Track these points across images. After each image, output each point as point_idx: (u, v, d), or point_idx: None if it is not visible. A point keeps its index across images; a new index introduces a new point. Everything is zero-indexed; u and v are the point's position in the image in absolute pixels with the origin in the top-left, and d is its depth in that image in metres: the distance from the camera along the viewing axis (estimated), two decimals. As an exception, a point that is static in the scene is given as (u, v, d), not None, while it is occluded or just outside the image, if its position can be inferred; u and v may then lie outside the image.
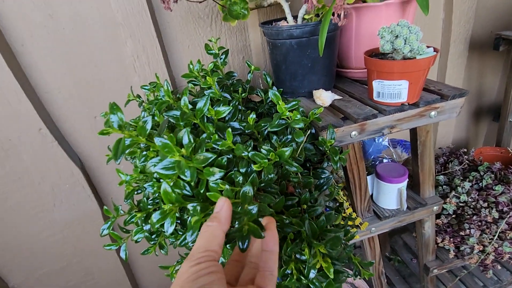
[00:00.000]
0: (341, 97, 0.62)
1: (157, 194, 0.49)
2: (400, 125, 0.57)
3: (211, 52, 0.66)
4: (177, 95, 0.64)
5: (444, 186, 0.89)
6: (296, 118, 0.42)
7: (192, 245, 0.44)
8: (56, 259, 0.94)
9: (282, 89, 0.62)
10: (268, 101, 0.64)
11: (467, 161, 0.97)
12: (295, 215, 0.41)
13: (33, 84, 0.73)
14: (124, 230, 0.57)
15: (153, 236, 0.49)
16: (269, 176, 0.37)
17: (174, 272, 0.47)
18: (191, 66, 0.62)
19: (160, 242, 0.50)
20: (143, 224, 0.45)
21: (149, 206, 0.48)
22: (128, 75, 0.77)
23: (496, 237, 0.79)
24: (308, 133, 0.46)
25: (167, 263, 1.11)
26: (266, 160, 0.37)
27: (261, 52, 0.85)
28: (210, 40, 0.66)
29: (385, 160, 0.78)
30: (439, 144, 1.23)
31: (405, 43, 0.49)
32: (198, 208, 0.35)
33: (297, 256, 0.41)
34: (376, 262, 0.85)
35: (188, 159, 0.36)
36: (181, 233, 0.51)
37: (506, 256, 0.79)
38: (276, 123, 0.44)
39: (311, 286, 0.39)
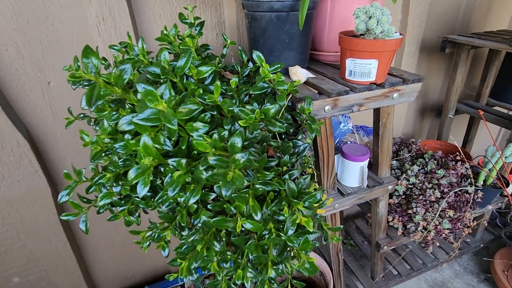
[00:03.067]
0: (314, 76, 0.65)
1: (127, 156, 0.46)
2: (368, 103, 0.62)
3: (185, 21, 0.64)
4: (150, 60, 0.61)
5: (396, 170, 0.98)
6: (280, 80, 0.43)
7: (168, 206, 0.43)
8: (-8, 243, 0.83)
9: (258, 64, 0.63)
10: (243, 76, 0.64)
11: (415, 150, 1.08)
12: (276, 176, 0.41)
13: (-27, 37, 0.63)
14: (85, 199, 0.52)
15: (122, 202, 0.46)
16: (255, 132, 0.37)
17: (145, 237, 0.45)
18: (165, 31, 0.59)
19: (129, 209, 0.47)
20: (114, 184, 0.42)
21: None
22: (91, 39, 0.71)
23: (437, 215, 0.89)
24: (289, 98, 0.47)
25: (124, 252, 1.04)
26: (253, 116, 0.37)
27: (235, 31, 0.84)
28: (185, 8, 0.64)
29: (349, 142, 0.83)
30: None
31: (377, 24, 0.53)
32: (183, 161, 0.34)
33: (275, 217, 0.42)
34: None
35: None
36: (152, 198, 0.48)
37: (445, 231, 0.90)
38: (259, 85, 0.44)
39: (289, 243, 0.40)
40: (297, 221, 0.38)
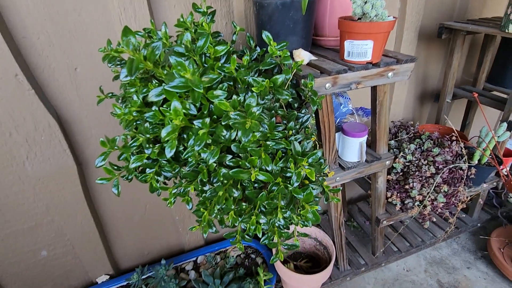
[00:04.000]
0: (316, 58, 0.71)
1: (155, 124, 0.53)
2: (365, 82, 0.68)
3: (199, 10, 0.71)
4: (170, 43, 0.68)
5: (394, 149, 1.05)
6: (285, 55, 0.50)
7: (191, 166, 0.50)
8: (25, 217, 0.91)
9: (265, 49, 0.69)
10: (252, 59, 0.70)
11: (413, 132, 1.14)
12: (283, 137, 0.48)
13: (10, 27, 0.70)
14: (116, 167, 0.60)
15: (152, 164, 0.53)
16: (265, 98, 0.44)
17: (172, 193, 0.52)
18: (181, 19, 0.66)
19: (156, 171, 0.54)
20: (146, 146, 0.50)
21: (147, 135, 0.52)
22: (113, 28, 0.78)
23: (432, 189, 0.95)
24: (293, 72, 0.53)
25: (141, 232, 1.12)
26: (264, 83, 0.44)
27: (243, 19, 0.90)
28: (199, -2, 0.71)
29: (349, 122, 0.89)
30: (391, 119, 1.41)
31: (372, 8, 0.59)
32: (207, 120, 0.41)
33: (283, 174, 0.49)
34: (337, 213, 0.97)
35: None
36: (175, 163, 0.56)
37: (441, 205, 0.96)
38: (267, 61, 0.51)
39: (295, 194, 0.47)
40: (302, 173, 0.45)
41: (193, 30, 0.66)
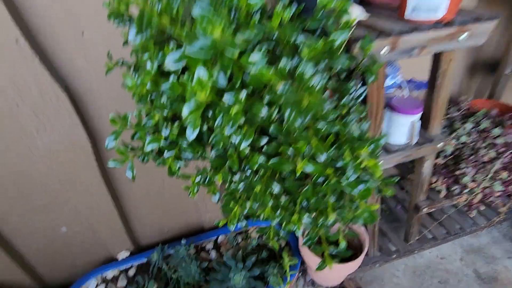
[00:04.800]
0: (369, 15, 0.57)
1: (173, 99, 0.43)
2: (431, 46, 0.54)
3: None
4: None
5: (443, 129, 0.91)
6: (343, 8, 0.37)
7: (217, 152, 0.41)
8: (40, 193, 0.87)
9: (304, 4, 0.56)
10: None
11: (465, 109, 0.98)
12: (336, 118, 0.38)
13: (6, -18, 0.60)
14: (130, 147, 0.52)
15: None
16: (319, 67, 0.33)
17: (195, 182, 0.44)
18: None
19: (176, 154, 0.45)
20: (164, 124, 0.40)
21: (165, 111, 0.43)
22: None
23: (489, 176, 0.83)
24: (352, 29, 0.41)
25: (160, 211, 1.07)
26: (318, 45, 0.32)
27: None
28: None
29: (395, 97, 0.76)
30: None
31: None
32: (243, 94, 0.30)
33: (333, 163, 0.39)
34: (375, 200, 0.87)
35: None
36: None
37: (496, 193, 0.84)
38: (318, 17, 0.38)
39: (347, 190, 0.37)
40: (362, 166, 0.35)
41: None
